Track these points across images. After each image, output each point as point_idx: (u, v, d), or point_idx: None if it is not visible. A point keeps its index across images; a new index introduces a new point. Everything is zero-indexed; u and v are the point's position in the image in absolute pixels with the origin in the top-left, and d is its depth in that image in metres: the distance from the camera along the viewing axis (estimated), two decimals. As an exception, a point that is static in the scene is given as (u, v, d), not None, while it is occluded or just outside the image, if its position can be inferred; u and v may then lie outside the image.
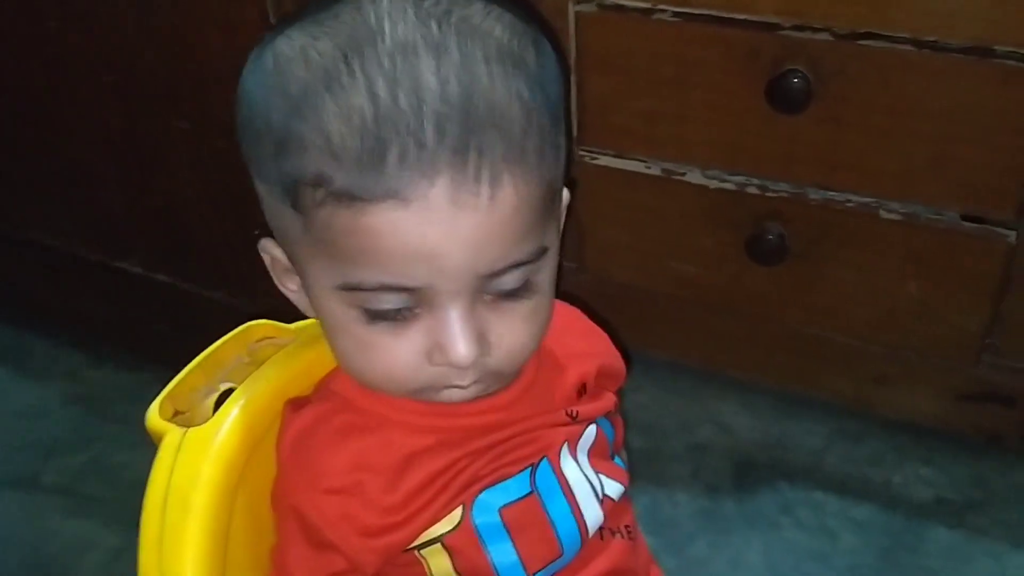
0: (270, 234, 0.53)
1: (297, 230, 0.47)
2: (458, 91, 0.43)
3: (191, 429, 0.53)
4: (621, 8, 0.97)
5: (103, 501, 1.12)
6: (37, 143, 1.13)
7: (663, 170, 1.03)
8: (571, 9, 0.98)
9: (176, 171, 1.04)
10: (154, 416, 0.55)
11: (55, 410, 1.22)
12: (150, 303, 1.17)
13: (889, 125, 0.91)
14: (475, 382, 0.50)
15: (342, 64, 0.44)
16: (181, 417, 0.56)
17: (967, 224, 0.93)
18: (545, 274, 0.49)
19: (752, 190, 1.00)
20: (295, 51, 0.46)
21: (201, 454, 0.52)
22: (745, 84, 0.94)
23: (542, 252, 0.48)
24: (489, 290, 0.47)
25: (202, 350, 0.59)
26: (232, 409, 0.54)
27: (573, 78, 1.01)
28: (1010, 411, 1.04)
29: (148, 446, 1.19)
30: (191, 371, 0.57)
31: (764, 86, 0.92)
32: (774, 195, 0.99)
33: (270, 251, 0.53)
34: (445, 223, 0.43)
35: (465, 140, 0.43)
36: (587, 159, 1.06)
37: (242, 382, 0.56)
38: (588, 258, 1.10)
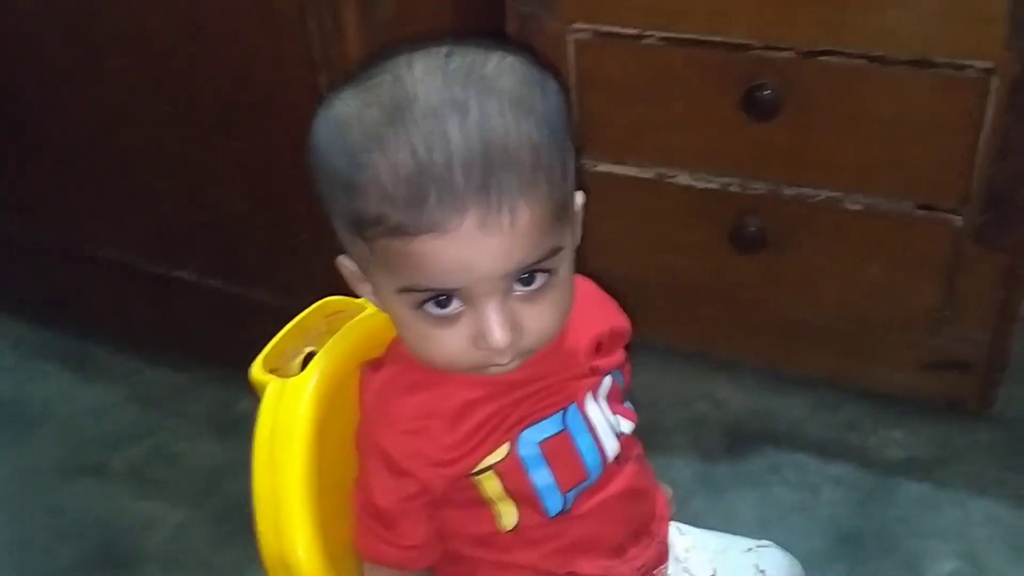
0: (341, 252, 0.65)
1: (364, 252, 0.60)
2: (478, 143, 0.55)
3: (290, 379, 0.67)
4: (614, 35, 1.11)
5: (165, 484, 1.25)
6: (101, 167, 1.27)
7: (655, 174, 1.18)
8: (569, 37, 1.13)
9: (226, 187, 1.18)
10: (257, 371, 0.68)
11: (118, 407, 1.36)
12: (203, 308, 1.31)
13: (848, 129, 1.06)
14: (512, 360, 0.62)
15: (388, 128, 0.56)
16: (275, 373, 0.69)
17: (920, 212, 1.07)
18: (563, 267, 0.62)
19: (733, 189, 1.14)
20: (351, 115, 0.58)
21: (299, 398, 0.66)
22: (723, 97, 1.08)
23: (556, 251, 0.60)
24: (517, 287, 0.59)
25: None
26: (320, 364, 0.67)
27: (573, 96, 1.16)
28: (968, 376, 1.18)
29: (203, 437, 1.33)
30: (281, 337, 0.71)
31: (739, 98, 1.07)
32: (752, 192, 1.14)
33: (345, 266, 0.66)
34: (475, 244, 0.56)
35: (487, 181, 0.55)
36: (588, 167, 1.20)
37: (322, 346, 0.70)
38: (589, 255, 1.23)
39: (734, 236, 1.16)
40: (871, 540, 1.10)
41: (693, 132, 1.13)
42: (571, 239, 0.63)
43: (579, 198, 0.66)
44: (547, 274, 0.60)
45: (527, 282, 0.59)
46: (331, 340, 0.70)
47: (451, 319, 0.60)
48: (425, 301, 0.59)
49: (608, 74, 1.14)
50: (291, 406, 0.66)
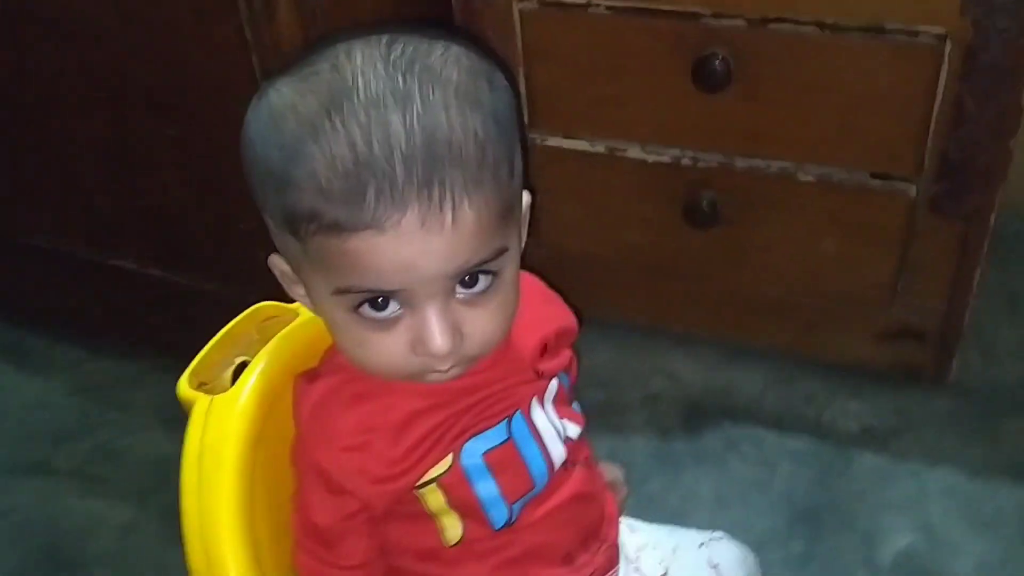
0: (275, 249, 0.61)
1: (297, 251, 0.57)
2: (421, 136, 0.51)
3: (217, 396, 0.63)
4: (560, 4, 1.07)
5: (111, 482, 1.21)
6: (33, 153, 1.21)
7: (606, 147, 1.14)
8: (515, 7, 1.09)
9: (164, 174, 1.13)
10: (184, 387, 0.65)
11: (60, 401, 1.31)
12: (144, 297, 1.26)
13: (800, 98, 1.03)
14: (453, 366, 0.59)
15: (325, 118, 0.52)
16: (205, 388, 0.66)
17: (874, 181, 1.05)
18: (508, 270, 0.59)
19: (686, 162, 1.11)
20: (286, 105, 0.54)
21: (228, 415, 0.62)
22: (673, 68, 1.05)
23: (502, 252, 0.57)
24: (460, 289, 0.56)
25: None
26: (250, 378, 0.64)
27: (521, 69, 1.12)
28: (923, 346, 1.17)
29: (149, 430, 1.29)
30: (211, 348, 0.67)
31: (690, 69, 1.04)
32: (705, 165, 1.11)
33: (278, 266, 0.62)
34: (416, 243, 0.53)
35: (429, 177, 0.52)
36: (538, 141, 1.17)
37: (254, 355, 0.66)
38: (543, 232, 1.21)
39: (687, 210, 1.13)
40: (828, 516, 1.09)
41: (643, 104, 1.10)
42: (517, 240, 0.60)
43: (526, 198, 0.63)
44: (491, 276, 0.57)
45: (470, 284, 0.57)
46: (264, 350, 0.66)
47: (389, 323, 0.56)
48: (361, 303, 0.56)
49: (555, 45, 1.10)
50: (220, 425, 0.63)
